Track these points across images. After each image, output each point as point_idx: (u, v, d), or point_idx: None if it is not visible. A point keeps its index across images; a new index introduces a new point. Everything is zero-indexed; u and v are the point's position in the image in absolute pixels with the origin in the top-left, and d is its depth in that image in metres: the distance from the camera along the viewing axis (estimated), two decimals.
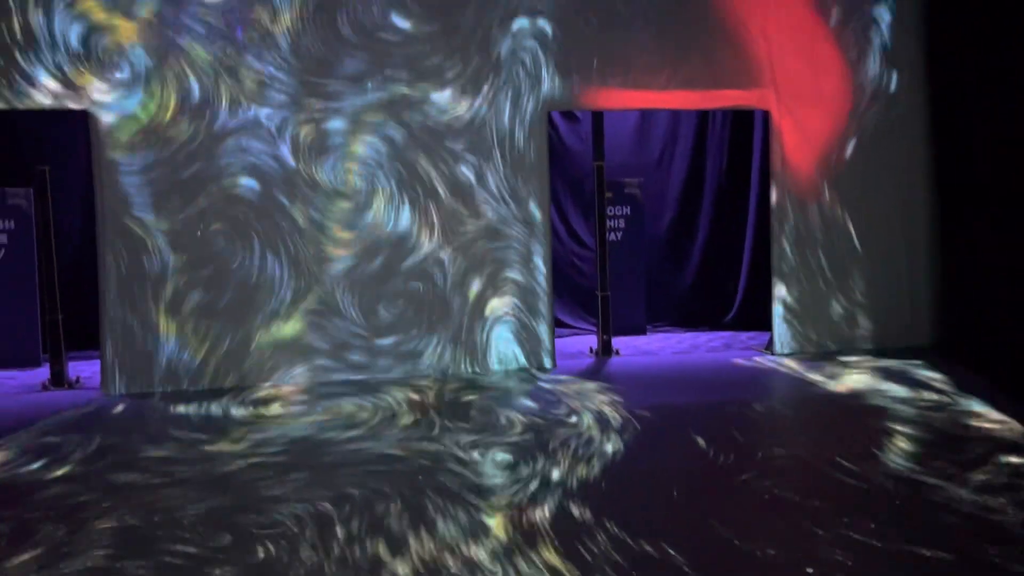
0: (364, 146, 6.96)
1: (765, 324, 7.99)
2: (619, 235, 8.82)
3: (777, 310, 7.66)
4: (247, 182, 6.81)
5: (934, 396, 5.86)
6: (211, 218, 6.76)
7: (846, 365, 7.04)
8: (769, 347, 7.79)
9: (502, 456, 4.72)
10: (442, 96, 7.06)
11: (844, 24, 7.61)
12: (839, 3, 7.60)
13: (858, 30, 7.63)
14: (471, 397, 6.22)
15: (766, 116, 7.75)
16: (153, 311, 6.69)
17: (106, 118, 6.61)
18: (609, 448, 4.85)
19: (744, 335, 8.78)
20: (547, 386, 6.52)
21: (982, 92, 7.26)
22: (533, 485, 4.21)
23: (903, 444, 4.75)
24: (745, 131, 9.06)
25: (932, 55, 7.73)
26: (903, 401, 5.76)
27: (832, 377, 6.58)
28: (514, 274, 7.24)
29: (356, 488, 4.23)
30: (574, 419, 5.51)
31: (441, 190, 7.06)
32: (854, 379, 6.49)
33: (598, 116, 7.81)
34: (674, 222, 9.56)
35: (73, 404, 6.31)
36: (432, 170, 7.04)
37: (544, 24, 7.19)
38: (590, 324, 9.04)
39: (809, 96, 7.61)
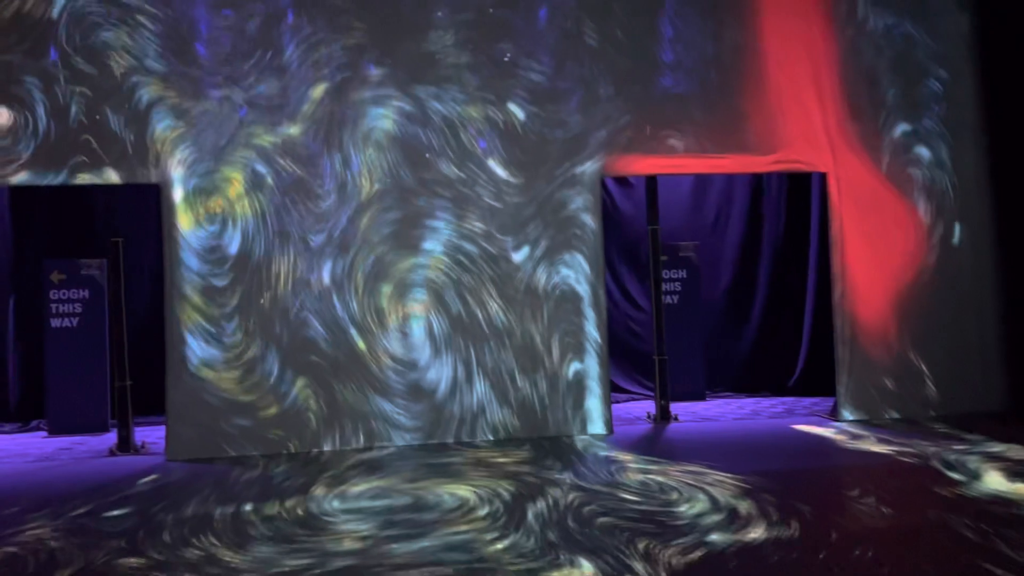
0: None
1: (828, 389, 7.78)
2: (675, 298, 8.75)
3: (841, 375, 7.47)
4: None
5: None
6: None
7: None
8: (833, 413, 7.57)
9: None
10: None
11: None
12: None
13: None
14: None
15: (823, 178, 7.69)
16: (218, 379, 6.85)
17: (176, 194, 6.89)
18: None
19: (807, 400, 8.56)
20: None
21: None
22: None
23: None
24: (803, 193, 8.97)
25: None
26: None
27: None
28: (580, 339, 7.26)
29: None
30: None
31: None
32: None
33: (651, 180, 7.85)
34: (731, 285, 9.45)
35: (125, 476, 6.44)
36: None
37: (605, 89, 7.29)
38: (647, 389, 8.92)
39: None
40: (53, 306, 8.09)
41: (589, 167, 7.24)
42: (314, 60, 6.98)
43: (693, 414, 8.01)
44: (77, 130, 6.75)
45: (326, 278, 6.92)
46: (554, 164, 7.21)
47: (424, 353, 7.04)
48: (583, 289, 7.20)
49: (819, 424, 7.34)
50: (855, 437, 6.75)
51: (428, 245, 7.08)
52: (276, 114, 6.94)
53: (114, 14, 6.80)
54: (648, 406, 8.18)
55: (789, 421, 7.57)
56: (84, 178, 6.80)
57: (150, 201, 8.14)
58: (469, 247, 7.11)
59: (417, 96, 7.08)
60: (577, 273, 7.20)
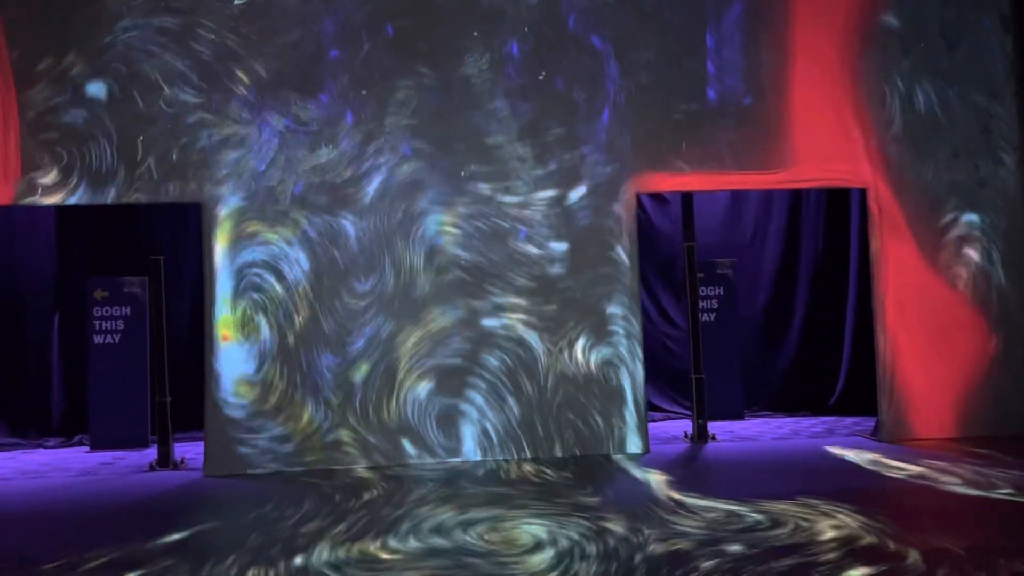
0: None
1: (870, 409, 7.63)
2: (712, 316, 8.66)
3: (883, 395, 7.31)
4: None
5: None
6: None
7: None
8: (875, 433, 7.41)
9: None
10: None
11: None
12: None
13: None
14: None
15: (863, 195, 7.57)
16: (255, 396, 6.90)
17: (219, 212, 6.98)
18: None
19: (848, 420, 8.40)
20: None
21: None
22: None
23: None
24: (841, 210, 8.85)
25: None
26: None
27: None
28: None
29: None
30: None
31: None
32: None
33: (687, 197, 7.77)
34: (769, 302, 9.34)
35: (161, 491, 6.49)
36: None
37: (628, 115, 7.26)
38: (684, 408, 8.82)
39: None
40: (96, 323, 8.24)
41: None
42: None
43: (731, 433, 7.90)
44: (122, 152, 6.90)
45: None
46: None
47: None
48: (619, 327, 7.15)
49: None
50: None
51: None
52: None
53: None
54: (685, 425, 8.08)
55: (832, 442, 7.39)
56: (130, 197, 6.93)
57: (191, 219, 8.27)
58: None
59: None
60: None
